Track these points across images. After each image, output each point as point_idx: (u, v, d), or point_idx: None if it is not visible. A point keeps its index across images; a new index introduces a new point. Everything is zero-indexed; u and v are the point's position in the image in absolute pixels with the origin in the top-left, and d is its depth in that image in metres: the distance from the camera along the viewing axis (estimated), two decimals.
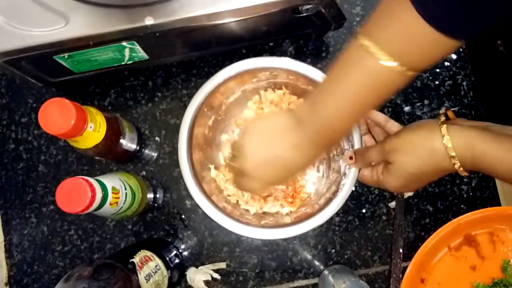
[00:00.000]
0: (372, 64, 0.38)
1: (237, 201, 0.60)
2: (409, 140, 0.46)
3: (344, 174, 0.55)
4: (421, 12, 0.35)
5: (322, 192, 0.60)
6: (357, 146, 0.55)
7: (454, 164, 0.43)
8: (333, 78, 0.43)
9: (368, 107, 0.44)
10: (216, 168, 0.61)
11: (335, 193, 0.55)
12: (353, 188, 0.55)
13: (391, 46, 0.37)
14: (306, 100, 0.46)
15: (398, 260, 0.57)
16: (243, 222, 0.54)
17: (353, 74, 0.40)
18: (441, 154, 0.43)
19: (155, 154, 0.65)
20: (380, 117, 0.54)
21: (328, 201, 0.55)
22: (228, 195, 0.60)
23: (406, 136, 0.46)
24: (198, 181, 0.56)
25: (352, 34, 0.43)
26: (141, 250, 0.54)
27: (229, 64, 0.65)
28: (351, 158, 0.53)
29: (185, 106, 0.65)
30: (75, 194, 0.45)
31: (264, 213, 0.60)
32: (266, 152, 0.46)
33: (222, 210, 0.55)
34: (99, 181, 0.48)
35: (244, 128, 0.51)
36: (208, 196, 0.55)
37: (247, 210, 0.60)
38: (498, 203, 0.65)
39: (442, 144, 0.43)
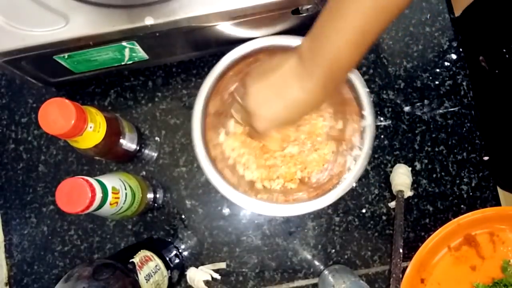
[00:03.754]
0: None
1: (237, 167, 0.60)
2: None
3: (349, 169, 0.56)
4: None
5: (323, 182, 0.60)
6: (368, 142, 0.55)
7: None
8: (333, 9, 0.41)
9: (373, 35, 0.42)
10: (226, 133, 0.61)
11: (335, 186, 0.56)
12: (354, 184, 0.55)
13: None
14: (307, 37, 0.44)
15: (398, 260, 0.57)
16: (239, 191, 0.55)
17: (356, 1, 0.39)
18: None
19: (155, 154, 0.65)
20: None
21: (327, 191, 0.55)
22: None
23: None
24: (208, 150, 0.56)
25: None
26: (141, 250, 0.54)
27: None
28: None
29: (185, 106, 0.65)
30: (75, 194, 0.45)
31: (263, 187, 0.60)
32: (271, 92, 0.45)
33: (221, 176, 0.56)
34: (99, 181, 0.48)
35: (248, 74, 0.50)
36: (213, 162, 0.56)
37: (243, 176, 0.60)
38: (498, 203, 0.65)
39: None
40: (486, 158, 0.65)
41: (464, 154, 0.65)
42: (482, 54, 0.66)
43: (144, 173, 0.65)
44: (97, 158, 0.62)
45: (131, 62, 0.58)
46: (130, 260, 0.50)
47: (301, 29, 0.62)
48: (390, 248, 0.63)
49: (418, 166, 0.65)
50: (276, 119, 0.47)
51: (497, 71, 0.65)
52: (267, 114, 0.47)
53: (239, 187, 0.57)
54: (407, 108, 0.66)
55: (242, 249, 0.63)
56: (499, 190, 0.66)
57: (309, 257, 0.64)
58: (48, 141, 0.65)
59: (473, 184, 0.65)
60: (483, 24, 0.68)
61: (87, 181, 0.46)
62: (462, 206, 0.65)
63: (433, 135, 0.65)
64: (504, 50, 0.62)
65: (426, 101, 0.66)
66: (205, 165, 0.55)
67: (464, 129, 0.65)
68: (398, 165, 0.64)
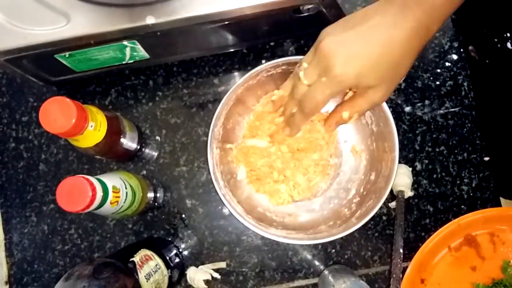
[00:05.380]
0: None
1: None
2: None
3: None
4: None
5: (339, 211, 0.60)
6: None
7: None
8: None
9: None
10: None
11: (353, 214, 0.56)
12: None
13: None
14: None
15: (398, 260, 0.57)
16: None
17: None
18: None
19: (155, 154, 0.65)
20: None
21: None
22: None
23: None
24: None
25: None
26: (141, 249, 0.54)
27: (229, 64, 0.66)
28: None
29: (185, 105, 0.65)
30: (75, 193, 0.45)
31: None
32: (359, 34, 0.39)
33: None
34: (99, 180, 0.48)
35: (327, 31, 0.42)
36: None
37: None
38: (498, 204, 0.65)
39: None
40: (486, 158, 0.65)
41: (465, 154, 0.65)
42: (472, 44, 0.65)
43: (144, 172, 0.65)
44: (97, 157, 0.62)
45: (132, 61, 0.58)
46: (130, 259, 0.50)
47: (303, 29, 0.62)
48: (390, 248, 0.62)
49: (418, 166, 0.65)
50: (359, 61, 0.39)
51: (487, 61, 0.64)
52: (347, 53, 0.39)
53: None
54: (407, 109, 0.66)
55: (242, 249, 0.63)
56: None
57: (309, 257, 0.64)
58: (49, 140, 0.65)
59: (473, 185, 0.65)
60: (473, 14, 0.67)
61: (87, 180, 0.46)
62: (462, 206, 0.65)
63: (434, 136, 0.65)
64: (496, 40, 0.60)
65: (427, 102, 0.66)
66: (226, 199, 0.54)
67: (465, 129, 0.65)
68: (398, 165, 0.63)
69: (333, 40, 0.40)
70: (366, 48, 0.39)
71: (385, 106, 0.54)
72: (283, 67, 0.55)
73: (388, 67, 0.40)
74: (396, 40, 0.39)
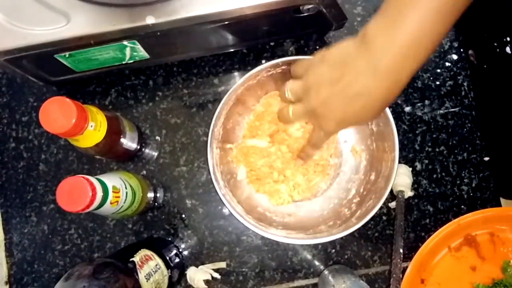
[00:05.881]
0: None
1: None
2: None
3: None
4: None
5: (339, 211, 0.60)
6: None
7: None
8: None
9: (454, 16, 0.37)
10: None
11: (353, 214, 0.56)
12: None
13: None
14: (378, 19, 0.39)
15: (398, 260, 0.57)
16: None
17: None
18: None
19: (155, 154, 0.65)
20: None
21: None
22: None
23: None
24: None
25: (353, 34, 0.42)
26: (141, 249, 0.54)
27: (229, 64, 0.66)
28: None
29: (185, 105, 0.65)
30: (75, 193, 0.45)
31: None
32: (339, 85, 0.40)
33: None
34: (99, 180, 0.48)
35: (308, 64, 0.45)
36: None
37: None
38: (498, 204, 0.65)
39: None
40: (486, 158, 0.65)
41: (465, 154, 0.65)
42: (472, 48, 0.65)
43: (144, 172, 0.65)
44: (97, 157, 0.62)
45: (132, 61, 0.58)
46: (130, 259, 0.50)
47: (302, 29, 0.62)
48: (390, 248, 0.63)
49: (418, 166, 0.65)
50: (347, 120, 0.42)
51: (485, 66, 0.63)
52: (336, 117, 0.42)
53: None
54: (407, 109, 0.66)
55: (242, 249, 0.63)
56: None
57: (309, 257, 0.64)
58: (49, 140, 0.65)
59: (473, 185, 0.65)
60: (472, 18, 0.67)
61: (87, 180, 0.46)
62: (462, 206, 0.65)
63: (434, 136, 0.65)
64: (496, 44, 0.60)
65: (426, 102, 0.66)
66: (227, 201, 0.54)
67: (465, 129, 0.65)
68: (398, 165, 0.63)
69: (321, 101, 0.43)
70: (351, 108, 0.42)
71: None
72: (283, 67, 0.55)
73: (367, 116, 0.43)
74: (377, 92, 0.40)
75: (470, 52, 0.65)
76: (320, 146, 0.55)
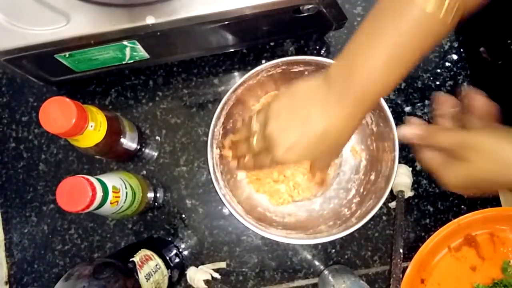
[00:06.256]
0: (415, 11, 0.36)
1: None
2: (494, 145, 0.40)
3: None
4: None
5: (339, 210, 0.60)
6: None
7: None
8: (370, 31, 0.39)
9: (410, 59, 0.39)
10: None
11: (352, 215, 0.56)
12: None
13: None
14: (339, 60, 0.41)
15: (398, 260, 0.57)
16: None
17: (394, 24, 0.37)
18: None
19: (155, 154, 0.65)
20: (481, 101, 0.45)
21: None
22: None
23: (491, 139, 0.41)
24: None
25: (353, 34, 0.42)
26: (141, 249, 0.54)
27: (229, 64, 0.66)
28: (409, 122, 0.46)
29: (185, 105, 0.65)
30: (75, 193, 0.45)
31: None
32: (299, 123, 0.42)
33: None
34: (99, 180, 0.48)
35: (271, 99, 0.47)
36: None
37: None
38: (498, 204, 0.65)
39: None
40: None
41: None
42: (483, 45, 0.65)
43: (144, 172, 0.65)
44: (97, 157, 0.62)
45: (132, 61, 0.58)
46: (130, 259, 0.50)
47: (302, 29, 0.62)
48: (390, 248, 0.62)
49: (418, 166, 0.65)
50: (297, 150, 0.44)
51: (500, 62, 0.63)
52: (287, 143, 0.43)
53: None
54: (408, 109, 0.66)
55: (242, 249, 0.63)
56: (500, 190, 0.65)
57: (309, 257, 0.64)
58: (49, 140, 0.65)
59: None
60: (484, 16, 0.66)
61: (87, 180, 0.46)
62: (462, 206, 0.65)
63: None
64: (509, 41, 0.60)
65: (427, 102, 0.66)
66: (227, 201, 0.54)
67: None
68: (398, 165, 0.63)
69: (277, 127, 0.44)
70: (304, 138, 0.43)
71: (385, 106, 0.54)
72: (283, 67, 0.55)
73: (322, 150, 0.45)
74: (332, 129, 0.42)
75: (482, 49, 0.64)
76: (262, 168, 0.53)
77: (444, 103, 0.47)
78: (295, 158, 0.44)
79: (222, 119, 0.56)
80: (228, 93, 0.54)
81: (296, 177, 0.60)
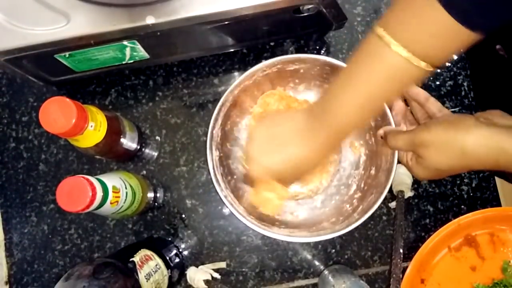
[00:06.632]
0: (389, 57, 0.37)
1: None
2: (441, 138, 0.45)
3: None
4: (446, 5, 0.34)
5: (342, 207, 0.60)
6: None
7: (486, 166, 0.43)
8: (348, 73, 0.42)
9: (380, 102, 0.43)
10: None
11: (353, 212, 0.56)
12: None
13: (409, 37, 0.36)
14: (320, 97, 0.46)
15: (398, 260, 0.57)
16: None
17: (368, 68, 0.40)
18: (474, 157, 0.43)
19: (155, 154, 0.65)
20: (421, 94, 0.53)
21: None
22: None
23: (437, 133, 0.45)
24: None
25: (353, 34, 0.42)
26: (141, 249, 0.54)
27: (229, 64, 0.66)
28: (381, 137, 0.52)
29: (185, 105, 0.65)
30: (75, 193, 0.45)
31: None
32: (273, 142, 0.46)
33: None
34: (99, 180, 0.48)
35: (253, 128, 0.51)
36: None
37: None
38: (498, 204, 0.65)
39: (474, 149, 0.42)
40: None
41: None
42: (499, 43, 0.65)
43: (144, 172, 0.65)
44: (97, 157, 0.62)
45: (132, 61, 0.58)
46: (131, 259, 0.50)
47: (302, 29, 0.62)
48: (390, 248, 0.62)
49: None
50: (271, 170, 0.47)
51: None
52: (263, 162, 0.47)
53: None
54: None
55: (242, 249, 0.63)
56: (500, 190, 0.65)
57: (309, 257, 0.64)
58: (49, 140, 0.65)
59: (473, 185, 0.65)
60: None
61: (87, 180, 0.46)
62: (462, 206, 0.65)
63: None
64: None
65: None
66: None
67: None
68: (398, 165, 0.63)
69: (257, 147, 0.48)
70: (277, 162, 0.47)
71: None
72: (278, 66, 0.55)
73: (290, 173, 0.48)
74: (304, 157, 0.46)
75: (498, 46, 0.64)
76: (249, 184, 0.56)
77: (398, 113, 0.55)
78: (265, 176, 0.48)
79: (220, 121, 0.56)
80: (225, 94, 0.54)
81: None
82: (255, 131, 0.49)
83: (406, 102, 0.57)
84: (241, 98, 0.58)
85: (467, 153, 0.43)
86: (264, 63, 0.54)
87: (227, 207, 0.53)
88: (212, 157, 0.54)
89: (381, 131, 0.53)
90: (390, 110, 0.55)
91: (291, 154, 0.46)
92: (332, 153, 0.49)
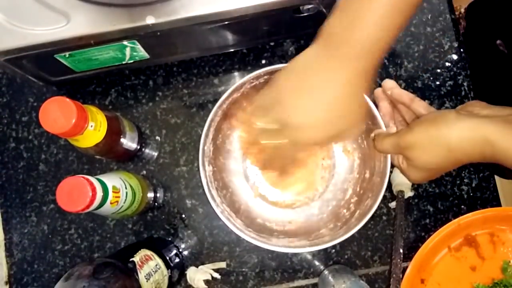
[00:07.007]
0: None
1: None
2: (424, 138, 0.43)
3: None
4: None
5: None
6: None
7: (474, 159, 0.42)
8: None
9: (409, 11, 0.38)
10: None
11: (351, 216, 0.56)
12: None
13: None
14: (337, 14, 0.39)
15: (398, 260, 0.57)
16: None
17: None
18: (460, 151, 0.42)
19: (155, 154, 0.65)
20: (405, 96, 0.51)
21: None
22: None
23: (420, 133, 0.44)
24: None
25: None
26: (141, 249, 0.54)
27: (229, 64, 0.66)
28: (373, 140, 0.52)
29: (185, 105, 0.65)
30: (75, 193, 0.45)
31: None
32: (309, 93, 0.39)
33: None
34: (99, 180, 0.48)
35: (273, 79, 0.43)
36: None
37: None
38: (498, 204, 0.65)
39: (459, 142, 0.41)
40: None
41: None
42: (500, 38, 0.64)
43: (144, 172, 0.65)
44: (97, 157, 0.62)
45: (132, 61, 0.58)
46: (130, 259, 0.50)
47: (303, 29, 0.62)
48: (390, 248, 0.62)
49: None
50: (321, 127, 0.40)
51: None
52: (307, 122, 0.39)
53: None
54: None
55: (242, 249, 0.63)
56: (500, 190, 0.65)
57: (309, 257, 0.64)
58: (49, 140, 0.65)
59: (473, 185, 0.65)
60: (501, 8, 0.65)
61: (87, 180, 0.46)
62: (462, 206, 0.65)
63: None
64: None
65: (427, 102, 0.66)
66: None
67: None
68: None
69: (291, 107, 0.40)
70: (321, 113, 0.40)
71: (369, 102, 0.52)
72: (265, 77, 0.55)
73: (344, 118, 0.41)
74: (344, 92, 0.39)
75: (499, 42, 0.64)
76: (285, 159, 0.48)
77: (386, 115, 0.53)
78: (322, 136, 0.41)
79: (211, 136, 0.56)
80: (213, 109, 0.53)
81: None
82: (275, 95, 0.41)
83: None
84: (231, 111, 0.58)
85: (452, 149, 0.42)
86: (251, 75, 0.53)
87: (224, 222, 0.52)
88: (206, 173, 0.54)
89: (372, 134, 0.53)
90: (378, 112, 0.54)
91: (331, 99, 0.39)
92: (367, 89, 0.40)
